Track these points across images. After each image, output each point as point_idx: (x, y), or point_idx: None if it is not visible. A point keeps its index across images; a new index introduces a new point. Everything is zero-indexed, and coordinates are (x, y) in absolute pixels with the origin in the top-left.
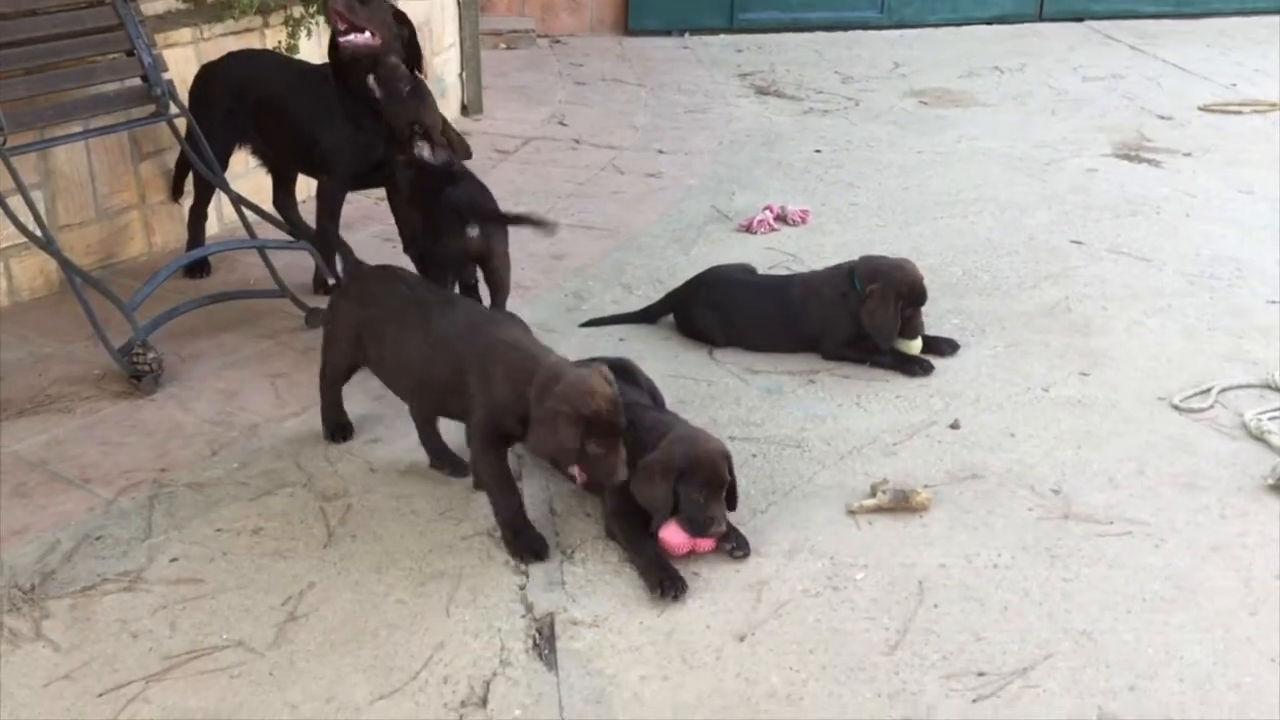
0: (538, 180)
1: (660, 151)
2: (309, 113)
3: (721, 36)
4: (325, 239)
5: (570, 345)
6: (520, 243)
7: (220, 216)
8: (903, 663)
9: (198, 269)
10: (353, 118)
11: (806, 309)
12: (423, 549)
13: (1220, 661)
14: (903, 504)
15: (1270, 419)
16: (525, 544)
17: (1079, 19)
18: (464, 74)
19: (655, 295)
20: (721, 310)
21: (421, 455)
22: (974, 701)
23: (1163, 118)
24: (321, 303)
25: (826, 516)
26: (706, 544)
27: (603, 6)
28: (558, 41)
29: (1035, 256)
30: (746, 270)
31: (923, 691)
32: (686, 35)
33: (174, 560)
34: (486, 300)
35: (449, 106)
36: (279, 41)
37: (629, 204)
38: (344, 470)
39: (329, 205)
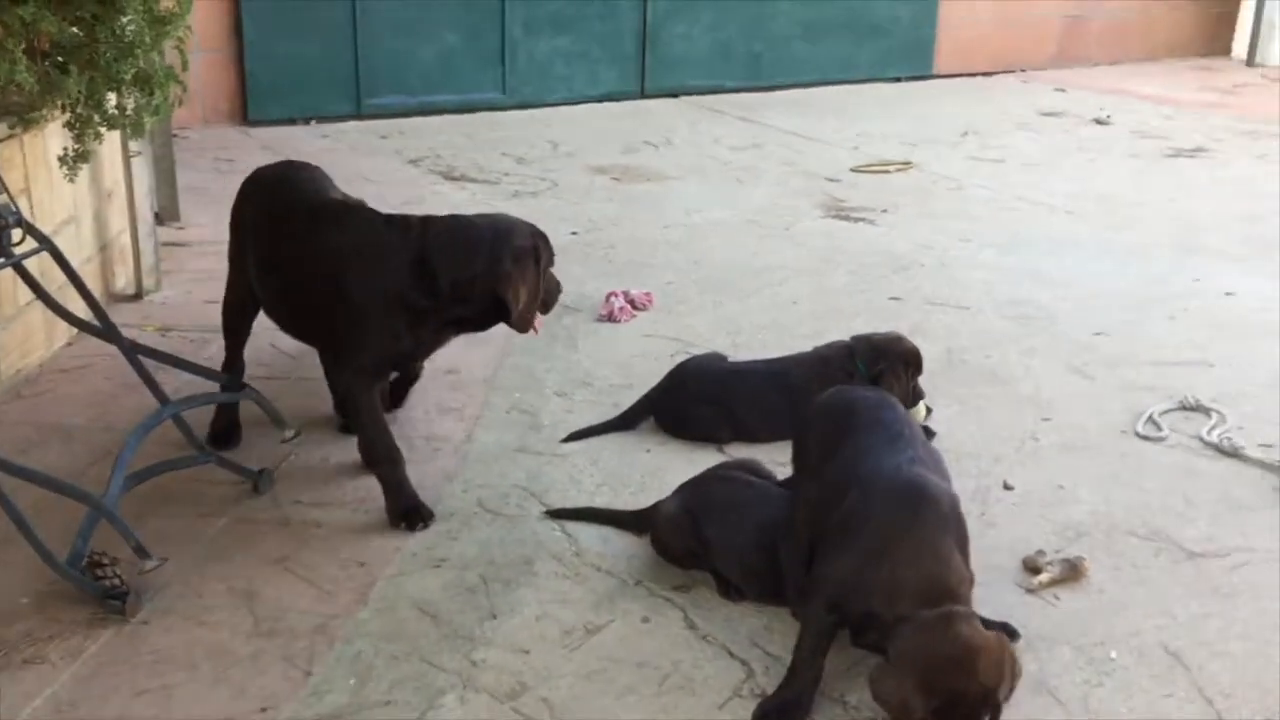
0: None
1: None
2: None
3: (353, 123)
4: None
5: (587, 462)
6: None
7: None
8: None
9: None
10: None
11: (814, 393)
12: None
13: None
14: (1072, 574)
15: (1225, 436)
16: None
17: (674, 95)
18: (155, 177)
19: (588, 396)
20: (719, 404)
21: (568, 614)
22: None
23: (831, 180)
24: (240, 458)
25: (1010, 598)
26: None
27: (217, 96)
28: (175, 135)
29: (876, 316)
30: (719, 358)
31: None
32: (314, 123)
33: None
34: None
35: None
36: (64, 148)
37: None
38: (491, 659)
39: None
